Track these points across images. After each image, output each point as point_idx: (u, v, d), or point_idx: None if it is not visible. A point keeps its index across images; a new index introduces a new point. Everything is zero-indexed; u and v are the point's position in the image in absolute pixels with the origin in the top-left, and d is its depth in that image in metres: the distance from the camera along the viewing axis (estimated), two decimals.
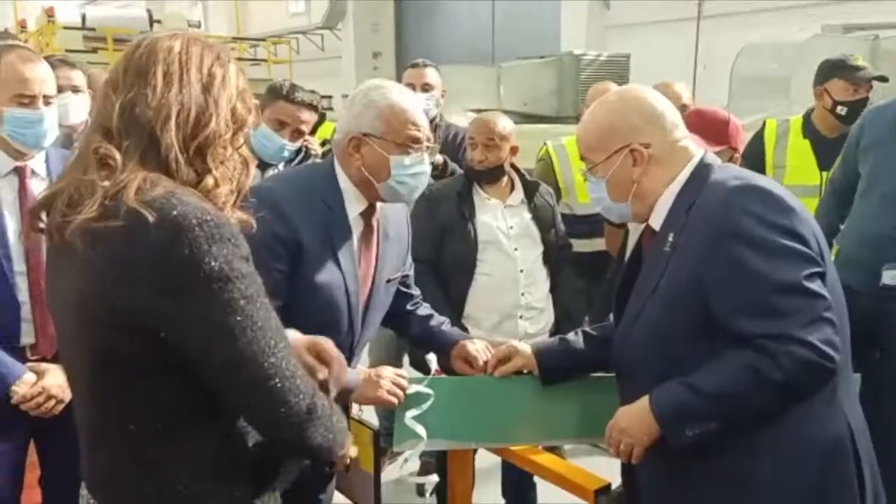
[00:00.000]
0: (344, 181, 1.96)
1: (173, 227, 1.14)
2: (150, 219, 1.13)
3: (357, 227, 1.98)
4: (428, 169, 2.00)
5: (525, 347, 2.07)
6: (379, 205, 2.03)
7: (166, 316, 1.16)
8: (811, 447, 1.57)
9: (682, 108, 3.52)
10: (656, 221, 1.70)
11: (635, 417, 1.65)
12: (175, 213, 1.15)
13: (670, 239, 1.62)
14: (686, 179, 1.66)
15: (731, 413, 1.54)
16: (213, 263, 1.15)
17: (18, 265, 2.08)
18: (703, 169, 1.65)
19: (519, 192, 2.90)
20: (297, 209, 1.87)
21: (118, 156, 1.21)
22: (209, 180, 1.25)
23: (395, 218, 2.13)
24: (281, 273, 1.81)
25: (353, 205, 1.96)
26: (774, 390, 1.49)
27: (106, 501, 1.29)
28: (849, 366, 1.64)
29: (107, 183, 1.18)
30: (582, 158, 1.77)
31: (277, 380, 1.21)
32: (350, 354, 1.99)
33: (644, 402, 1.63)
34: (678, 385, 1.57)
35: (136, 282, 1.15)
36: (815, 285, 1.49)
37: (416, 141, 1.93)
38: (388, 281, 2.09)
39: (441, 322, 2.29)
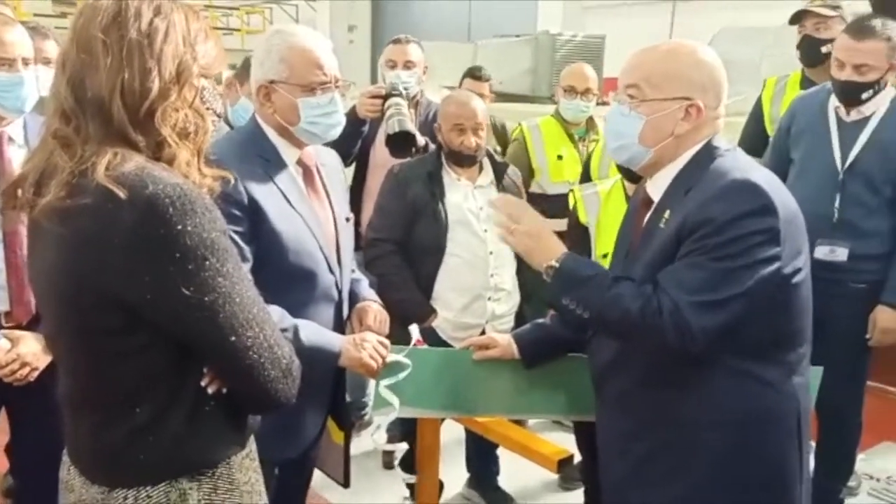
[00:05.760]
0: (270, 133, 1.97)
1: (146, 205, 1.12)
2: (122, 196, 1.11)
3: (297, 174, 2.01)
4: (340, 108, 1.99)
5: (503, 338, 2.12)
6: (313, 152, 2.06)
7: (142, 294, 1.15)
8: (762, 423, 1.66)
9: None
10: (655, 192, 1.73)
11: (546, 241, 1.68)
12: (148, 191, 1.12)
13: (666, 216, 1.65)
14: (692, 157, 1.67)
15: (602, 319, 1.63)
16: (188, 242, 1.14)
17: None
18: (708, 150, 1.66)
19: (488, 173, 2.92)
20: (238, 168, 1.84)
21: (77, 139, 1.17)
22: (167, 150, 1.21)
23: (332, 166, 2.16)
24: (239, 234, 1.81)
25: (287, 153, 1.99)
26: (640, 328, 1.57)
27: (86, 469, 1.30)
28: (807, 355, 1.71)
29: (71, 163, 1.16)
30: (627, 86, 1.69)
31: (256, 352, 1.23)
32: (339, 296, 2.04)
33: (557, 245, 1.68)
34: (591, 265, 1.67)
35: (109, 261, 1.14)
36: (733, 287, 1.53)
37: (322, 83, 1.93)
38: (347, 220, 2.12)
39: (358, 278, 2.24)
